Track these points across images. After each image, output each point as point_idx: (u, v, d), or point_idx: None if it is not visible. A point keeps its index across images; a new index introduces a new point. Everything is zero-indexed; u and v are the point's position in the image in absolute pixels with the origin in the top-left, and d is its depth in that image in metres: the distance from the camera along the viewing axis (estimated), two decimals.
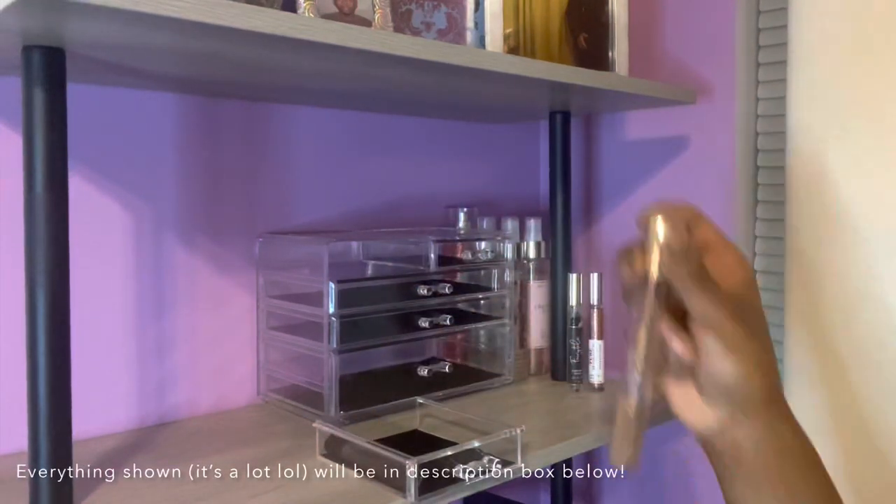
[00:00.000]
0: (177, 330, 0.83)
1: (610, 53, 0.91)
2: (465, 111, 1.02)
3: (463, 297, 0.92)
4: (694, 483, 1.04)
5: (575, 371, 0.94)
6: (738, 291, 0.52)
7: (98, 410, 0.78)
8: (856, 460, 0.76)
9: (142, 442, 0.76)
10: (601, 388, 0.93)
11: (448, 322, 0.87)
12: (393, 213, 1.03)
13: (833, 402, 0.78)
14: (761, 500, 0.52)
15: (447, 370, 0.92)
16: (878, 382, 0.75)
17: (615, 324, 1.11)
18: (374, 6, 0.72)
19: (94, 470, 0.67)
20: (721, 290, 0.51)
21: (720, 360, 0.50)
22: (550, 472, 1.09)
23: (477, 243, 0.96)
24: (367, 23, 0.71)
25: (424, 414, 0.79)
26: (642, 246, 0.51)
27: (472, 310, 0.95)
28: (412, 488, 0.60)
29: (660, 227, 0.50)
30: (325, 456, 0.69)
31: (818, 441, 0.54)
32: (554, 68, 0.76)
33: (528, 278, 1.01)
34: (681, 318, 0.53)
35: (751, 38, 0.97)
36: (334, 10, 0.70)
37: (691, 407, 0.54)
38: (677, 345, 0.52)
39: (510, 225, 1.02)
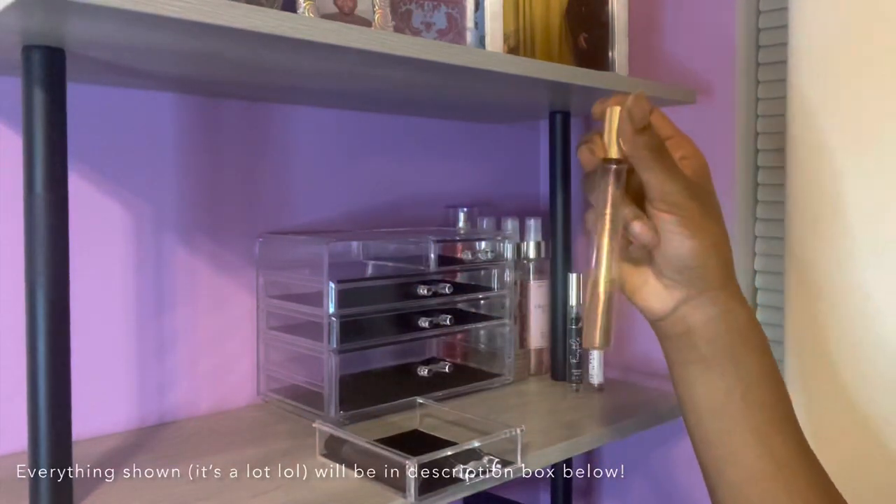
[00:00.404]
0: (177, 330, 0.83)
1: (610, 53, 0.91)
2: (465, 111, 1.02)
3: (463, 297, 0.92)
4: (694, 483, 1.04)
5: (575, 371, 0.94)
6: (696, 176, 0.53)
7: (98, 410, 0.78)
8: (856, 459, 0.76)
9: (142, 442, 0.76)
10: (601, 388, 0.94)
11: (448, 322, 0.87)
12: (393, 213, 1.03)
13: (833, 402, 0.78)
14: (710, 380, 0.53)
15: (447, 370, 0.92)
16: (879, 382, 0.75)
17: (615, 324, 1.11)
18: (374, 6, 0.72)
19: (94, 470, 0.67)
20: (680, 171, 0.51)
21: (679, 239, 0.51)
22: (550, 472, 1.09)
23: (477, 243, 0.96)
24: (367, 23, 0.71)
25: (424, 414, 0.79)
26: (602, 133, 0.52)
27: (472, 310, 0.95)
28: (412, 488, 0.60)
29: (619, 111, 0.50)
30: (325, 456, 0.69)
31: (817, 441, 0.54)
32: (554, 68, 0.76)
33: (528, 278, 1.01)
34: (639, 204, 0.53)
35: (751, 38, 0.97)
36: (334, 10, 0.70)
37: (647, 290, 0.55)
38: (638, 226, 0.52)
39: (510, 225, 1.02)
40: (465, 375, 0.93)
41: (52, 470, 0.56)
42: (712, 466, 0.54)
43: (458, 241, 0.95)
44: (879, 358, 0.75)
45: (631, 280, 0.55)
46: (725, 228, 0.55)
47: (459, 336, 1.00)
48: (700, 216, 0.51)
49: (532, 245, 1.01)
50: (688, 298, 0.53)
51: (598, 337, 0.52)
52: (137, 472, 0.67)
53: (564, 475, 1.08)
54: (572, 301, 0.95)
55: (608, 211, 0.52)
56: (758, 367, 0.53)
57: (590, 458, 1.17)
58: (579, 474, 1.18)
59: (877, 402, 0.76)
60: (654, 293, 0.54)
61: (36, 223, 0.55)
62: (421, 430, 0.77)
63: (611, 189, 0.52)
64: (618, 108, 0.51)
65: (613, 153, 0.51)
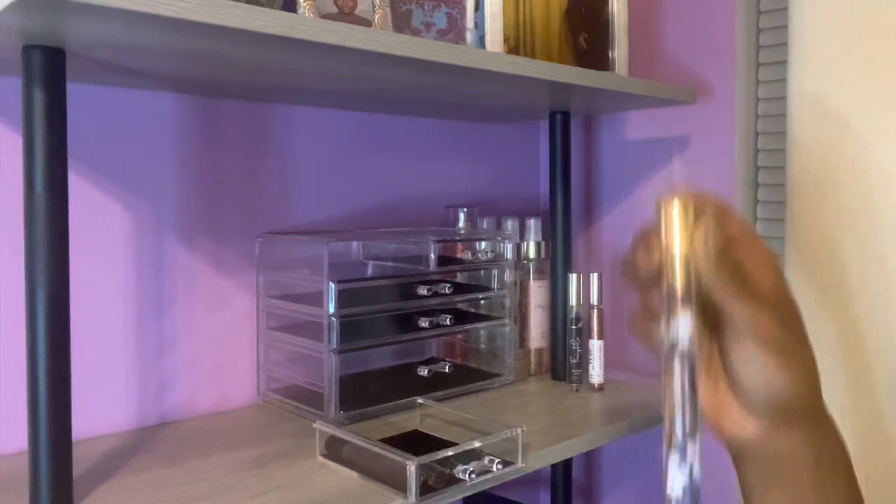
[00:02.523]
0: (177, 330, 0.83)
1: (610, 53, 0.91)
2: (465, 111, 1.02)
3: (463, 297, 0.92)
4: None
5: (575, 371, 0.94)
6: (776, 291, 0.47)
7: (98, 410, 0.78)
8: (864, 455, 0.76)
9: (142, 442, 0.76)
10: (601, 388, 0.93)
11: (448, 322, 0.87)
12: (393, 213, 1.03)
13: (836, 400, 0.78)
14: None
15: (447, 370, 0.92)
16: (882, 378, 0.75)
17: (615, 324, 1.11)
18: (374, 6, 0.72)
19: (94, 470, 0.67)
20: (766, 297, 0.46)
21: (767, 371, 0.46)
22: (550, 472, 1.09)
23: (477, 243, 0.96)
24: (367, 23, 0.71)
25: (424, 414, 0.79)
26: (659, 236, 0.45)
27: (472, 310, 0.95)
28: (413, 488, 0.60)
29: (684, 219, 0.43)
30: (325, 456, 0.69)
31: None
32: (554, 68, 0.76)
33: (528, 278, 1.01)
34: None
35: (751, 38, 0.97)
36: (334, 10, 0.70)
37: (728, 417, 0.50)
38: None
39: (510, 225, 1.02)
40: (466, 375, 0.93)
41: (52, 470, 0.56)
42: None
43: (458, 241, 0.94)
44: (884, 358, 0.75)
45: (711, 406, 0.50)
46: (811, 347, 0.49)
47: (459, 336, 1.00)
48: (792, 343, 0.46)
49: (532, 245, 1.01)
50: (774, 427, 0.48)
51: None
52: (137, 472, 0.67)
53: (564, 475, 1.07)
54: (572, 301, 0.95)
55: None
56: (842, 494, 0.50)
57: (590, 458, 1.17)
58: (579, 474, 1.18)
59: (883, 395, 0.76)
60: (734, 418, 0.50)
61: (36, 223, 0.55)
62: (421, 430, 0.77)
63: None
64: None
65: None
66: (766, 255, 0.48)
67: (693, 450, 0.45)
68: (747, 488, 0.52)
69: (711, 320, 0.48)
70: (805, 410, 0.49)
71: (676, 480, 0.45)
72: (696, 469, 0.46)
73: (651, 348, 0.48)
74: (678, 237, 0.44)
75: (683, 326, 0.44)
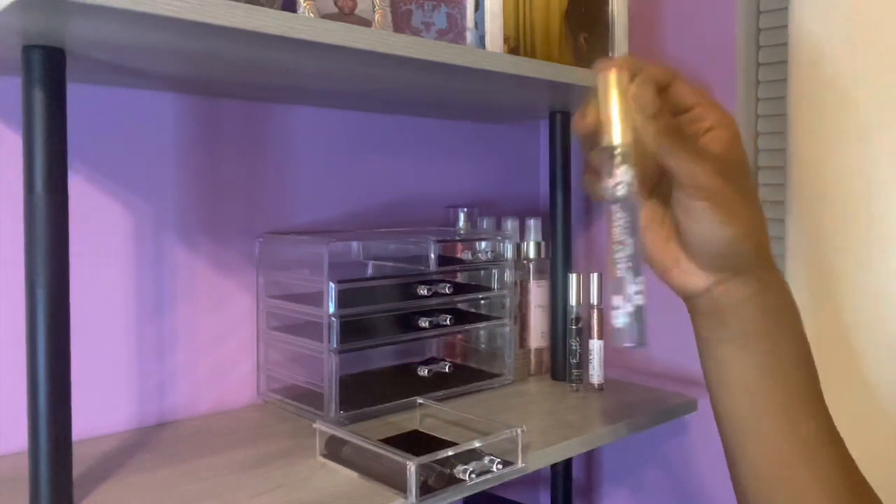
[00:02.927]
0: (177, 330, 0.83)
1: (610, 53, 0.91)
2: (465, 111, 1.02)
3: (463, 297, 0.92)
4: (696, 482, 1.04)
5: (575, 371, 0.94)
6: (726, 151, 0.49)
7: (98, 410, 0.78)
8: (867, 454, 0.76)
9: (142, 442, 0.76)
10: (601, 388, 0.93)
11: (448, 322, 0.87)
12: (393, 213, 1.03)
13: (838, 398, 0.78)
14: (743, 359, 0.51)
15: (447, 370, 0.92)
16: (882, 379, 0.75)
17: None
18: (374, 6, 0.72)
19: (94, 470, 0.67)
20: (706, 150, 0.48)
21: (712, 227, 0.48)
22: (550, 472, 1.09)
23: (477, 243, 0.96)
24: (367, 23, 0.71)
25: (424, 414, 0.79)
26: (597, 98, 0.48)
27: (472, 310, 0.95)
28: (413, 488, 0.60)
29: (618, 83, 0.47)
30: (325, 456, 0.69)
31: None
32: (554, 68, 0.76)
33: (528, 278, 1.01)
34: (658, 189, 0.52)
35: (751, 38, 0.97)
36: (334, 10, 0.70)
37: (679, 270, 0.52)
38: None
39: (510, 225, 1.02)
40: (465, 375, 0.93)
41: (52, 470, 0.56)
42: (737, 444, 0.53)
43: (458, 241, 0.94)
44: (884, 358, 0.75)
45: (662, 259, 0.53)
46: (760, 205, 0.51)
47: (459, 336, 1.00)
48: (734, 199, 0.48)
49: (532, 245, 1.01)
50: (722, 280, 0.51)
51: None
52: (137, 472, 0.67)
53: (564, 475, 1.07)
54: (572, 301, 0.95)
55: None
56: (793, 346, 0.52)
57: (590, 458, 1.17)
58: (579, 474, 1.18)
59: (884, 395, 0.76)
60: (687, 273, 0.52)
61: (36, 223, 0.55)
62: (421, 430, 0.77)
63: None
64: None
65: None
66: (721, 118, 0.50)
67: (634, 288, 0.49)
68: (700, 342, 0.55)
69: (659, 176, 0.52)
70: (750, 267, 0.50)
71: (620, 314, 0.49)
72: (639, 302, 0.49)
73: (599, 200, 0.51)
74: (614, 97, 0.47)
75: (619, 178, 0.48)
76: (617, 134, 0.47)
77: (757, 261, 0.51)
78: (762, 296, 0.51)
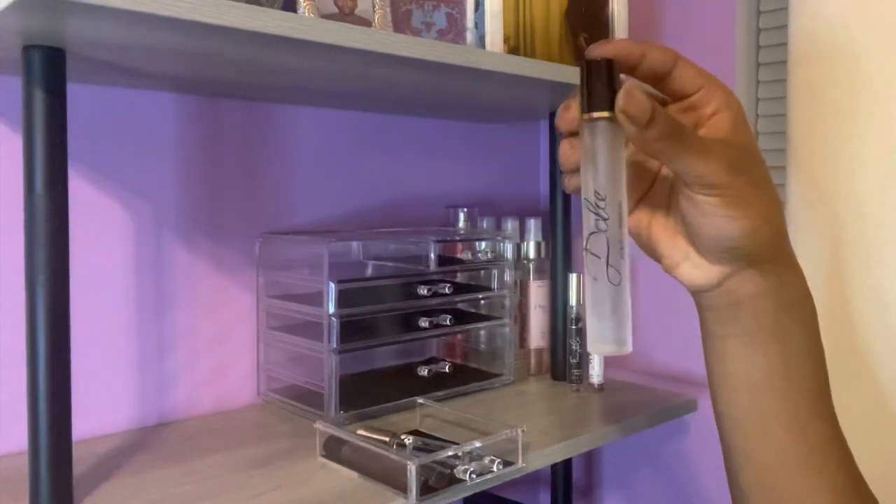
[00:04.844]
0: (177, 330, 0.83)
1: None
2: (465, 111, 1.02)
3: (463, 297, 0.92)
4: (696, 483, 1.04)
5: (575, 371, 0.94)
6: (734, 134, 0.45)
7: (98, 410, 0.78)
8: (870, 451, 0.76)
9: (142, 442, 0.76)
10: (601, 388, 0.93)
11: (448, 322, 0.87)
12: (393, 213, 1.03)
13: (837, 401, 0.78)
14: (751, 356, 0.48)
15: (447, 370, 0.92)
16: (885, 379, 0.75)
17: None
18: (374, 6, 0.72)
19: (95, 470, 0.67)
20: (709, 138, 0.44)
21: (725, 221, 0.44)
22: (550, 472, 1.09)
23: (477, 243, 0.96)
24: (367, 23, 0.71)
25: (424, 414, 0.79)
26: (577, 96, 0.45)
27: (472, 310, 0.95)
28: (413, 488, 0.60)
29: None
30: (325, 456, 0.69)
31: None
32: (554, 68, 0.76)
33: (528, 278, 1.01)
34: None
35: (751, 38, 0.97)
36: (334, 10, 0.70)
37: (688, 265, 0.48)
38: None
39: (510, 225, 1.02)
40: (466, 375, 0.93)
41: (52, 470, 0.56)
42: (740, 446, 0.50)
43: (458, 241, 0.94)
44: (886, 358, 0.75)
45: (670, 254, 0.49)
46: (774, 190, 0.46)
47: (459, 336, 1.00)
48: (746, 189, 0.43)
49: (532, 245, 1.01)
50: (736, 271, 0.46)
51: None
52: (137, 472, 0.67)
53: (564, 475, 1.08)
54: (572, 301, 0.95)
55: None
56: (805, 345, 0.49)
57: (590, 458, 1.17)
58: (579, 474, 1.18)
59: (884, 395, 0.76)
60: (697, 267, 0.48)
61: (36, 223, 0.55)
62: (421, 430, 0.77)
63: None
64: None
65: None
66: (725, 100, 0.46)
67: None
68: (706, 336, 0.51)
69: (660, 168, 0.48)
70: (767, 257, 0.47)
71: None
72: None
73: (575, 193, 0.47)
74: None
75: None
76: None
77: (774, 250, 0.47)
78: (777, 289, 0.47)
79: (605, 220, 0.44)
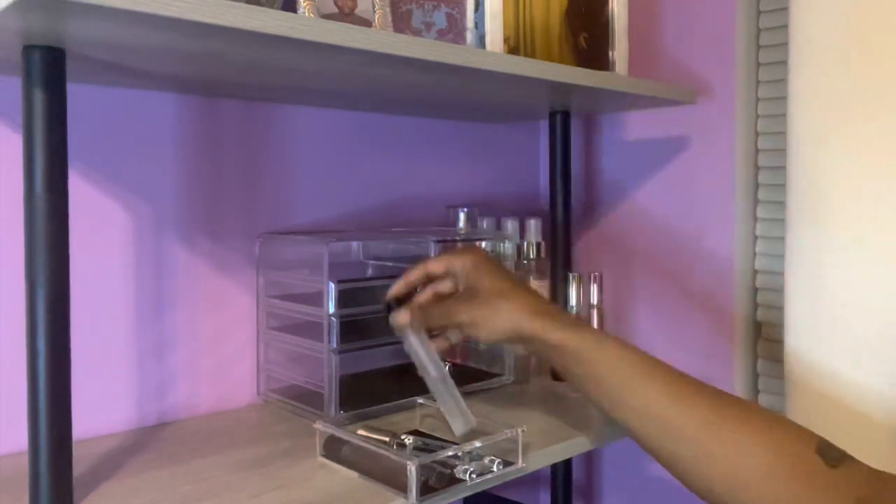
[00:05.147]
0: (177, 330, 0.83)
1: (610, 53, 0.91)
2: (465, 111, 1.02)
3: None
4: None
5: None
6: (471, 280, 0.70)
7: (98, 410, 0.78)
8: (867, 453, 0.76)
9: (142, 442, 0.76)
10: None
11: None
12: (393, 213, 1.03)
13: (836, 403, 0.78)
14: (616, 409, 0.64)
15: (447, 370, 0.92)
16: (881, 382, 0.75)
17: (615, 324, 1.11)
18: (374, 6, 0.72)
19: (95, 470, 0.67)
20: (462, 296, 0.70)
21: (488, 334, 0.68)
22: (550, 472, 1.09)
23: (477, 243, 0.96)
24: (367, 23, 0.71)
25: (424, 414, 0.79)
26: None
27: None
28: (413, 488, 0.60)
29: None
30: (325, 456, 0.69)
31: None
32: (554, 68, 0.76)
33: (528, 278, 1.01)
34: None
35: (751, 38, 0.97)
36: (334, 10, 0.70)
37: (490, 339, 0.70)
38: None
39: (510, 225, 1.02)
40: (466, 375, 0.93)
41: (52, 470, 0.56)
42: (611, 398, 0.65)
43: (459, 241, 0.94)
44: (884, 355, 0.75)
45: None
46: (527, 286, 0.73)
47: None
48: (493, 306, 0.68)
49: (532, 245, 1.01)
50: (527, 348, 0.71)
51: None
52: (137, 472, 0.67)
53: (564, 475, 1.07)
54: (572, 301, 0.95)
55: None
56: (616, 371, 0.64)
57: (590, 458, 1.17)
58: (579, 474, 1.18)
59: (883, 398, 0.76)
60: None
61: (36, 223, 0.55)
62: (421, 430, 0.77)
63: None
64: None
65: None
66: (443, 268, 0.72)
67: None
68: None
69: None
70: (523, 341, 0.68)
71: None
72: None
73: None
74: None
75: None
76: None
77: (525, 337, 0.67)
78: (555, 354, 0.66)
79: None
